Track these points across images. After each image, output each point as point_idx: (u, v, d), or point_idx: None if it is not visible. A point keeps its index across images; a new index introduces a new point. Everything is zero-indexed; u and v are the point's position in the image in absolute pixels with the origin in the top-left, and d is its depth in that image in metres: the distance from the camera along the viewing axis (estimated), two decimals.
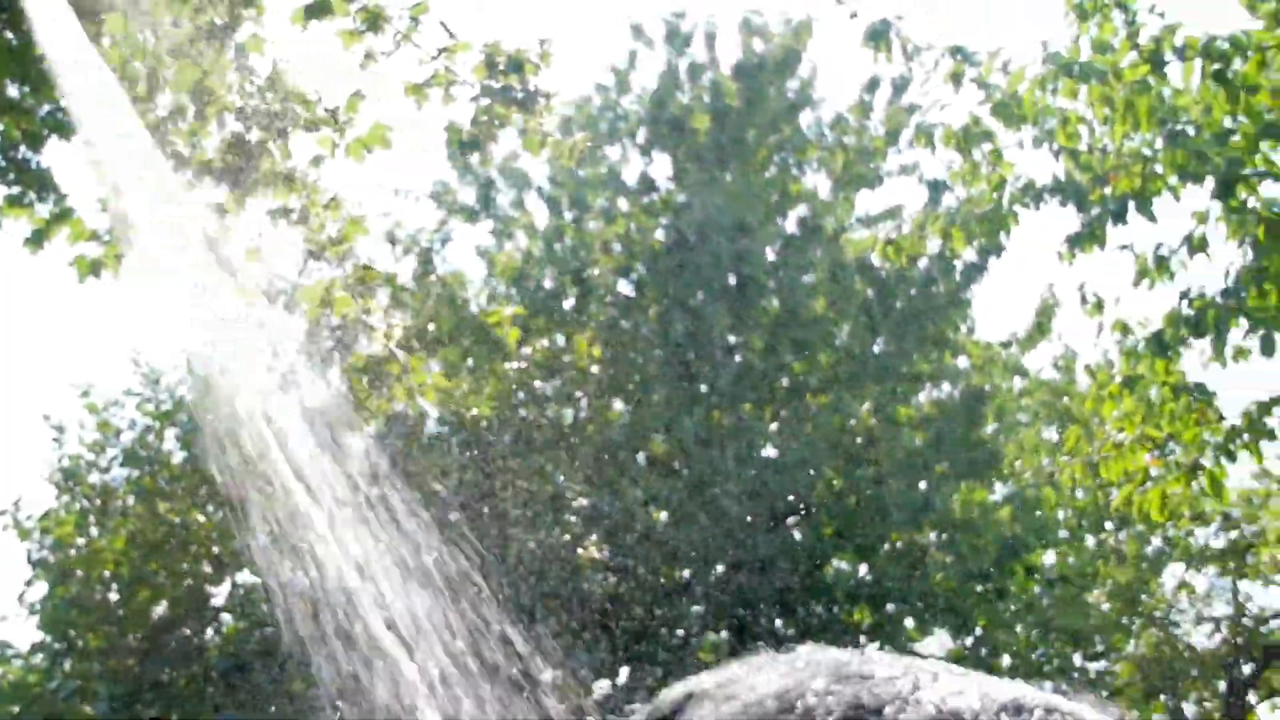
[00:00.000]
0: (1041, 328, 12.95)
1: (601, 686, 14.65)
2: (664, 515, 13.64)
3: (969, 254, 13.06)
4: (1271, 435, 7.60)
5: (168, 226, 4.15)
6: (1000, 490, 15.34)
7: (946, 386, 15.40)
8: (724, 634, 14.71)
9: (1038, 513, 14.20)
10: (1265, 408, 7.54)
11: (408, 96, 4.44)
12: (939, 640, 14.47)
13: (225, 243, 5.32)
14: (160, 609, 12.00)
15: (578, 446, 12.36)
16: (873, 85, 14.45)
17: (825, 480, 14.28)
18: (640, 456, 13.82)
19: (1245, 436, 7.54)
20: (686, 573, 14.26)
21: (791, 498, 14.20)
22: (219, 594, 12.48)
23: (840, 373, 14.69)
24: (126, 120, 4.11)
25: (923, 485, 14.40)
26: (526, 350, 12.25)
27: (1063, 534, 15.74)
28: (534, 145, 4.48)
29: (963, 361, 15.44)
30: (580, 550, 11.46)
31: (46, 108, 6.68)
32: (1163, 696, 16.25)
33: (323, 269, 5.39)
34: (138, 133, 4.19)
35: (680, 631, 14.32)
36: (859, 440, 14.48)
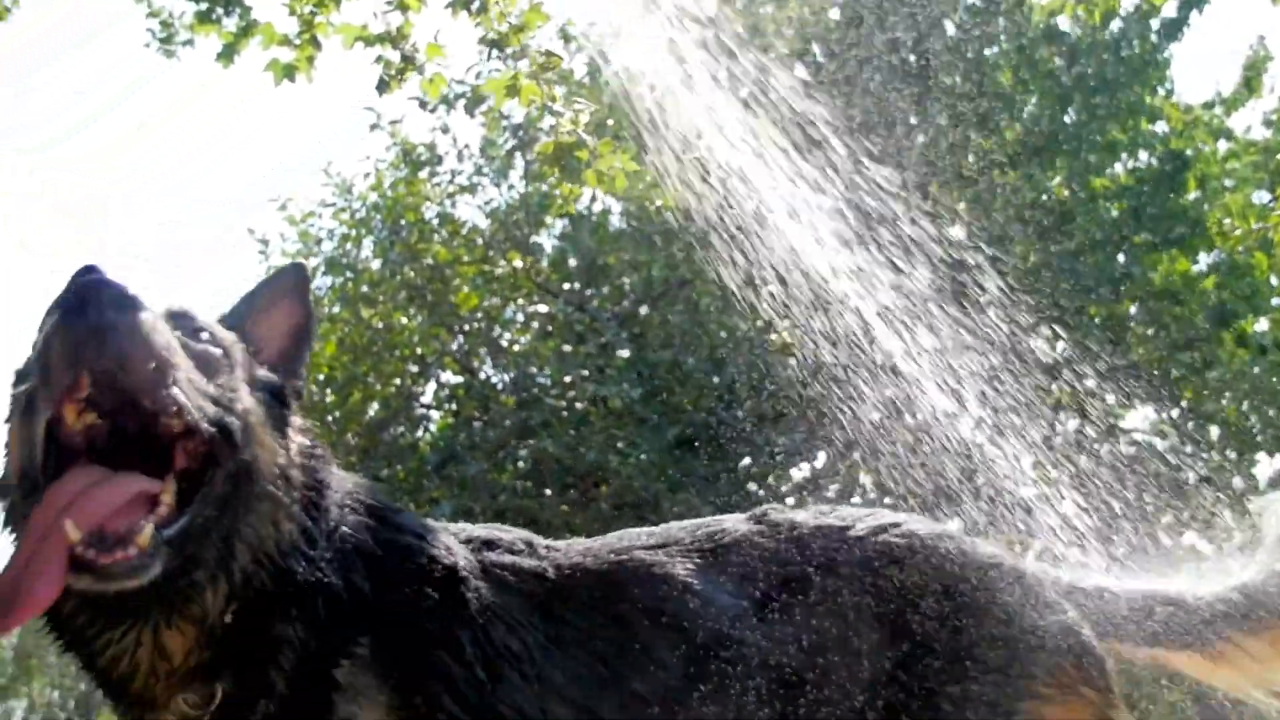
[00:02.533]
0: (1250, 84, 12.17)
1: (800, 470, 14.90)
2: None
3: (1167, 9, 12.29)
4: None
5: None
6: (1205, 258, 14.73)
7: (1144, 154, 14.75)
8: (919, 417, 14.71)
9: (1247, 279, 13.62)
10: None
11: None
12: (1143, 414, 14.18)
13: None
14: (373, 409, 12.61)
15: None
16: None
17: (1019, 257, 13.94)
18: None
19: None
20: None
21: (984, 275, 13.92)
22: (426, 393, 13.04)
23: (1030, 146, 14.18)
24: None
25: (1121, 257, 13.95)
26: None
27: (1275, 301, 15.09)
28: None
29: (1161, 127, 14.71)
30: (773, 336, 11.49)
31: None
32: None
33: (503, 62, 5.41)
34: None
35: (876, 416, 14.38)
36: (1052, 215, 14.04)
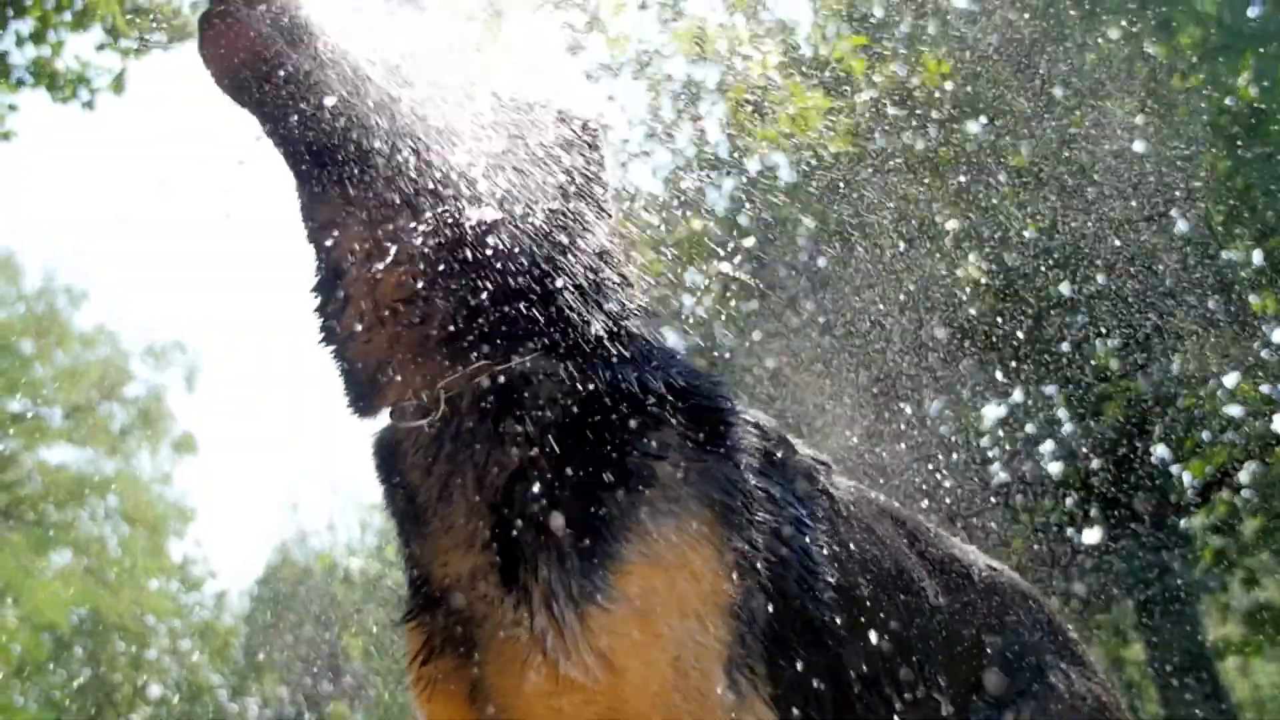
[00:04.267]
0: None
1: (994, 411, 14.61)
2: (1028, 232, 13.22)
3: None
4: None
5: None
6: None
7: None
8: (1111, 341, 14.28)
9: None
10: None
11: None
12: None
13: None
14: None
15: (938, 169, 12.05)
16: None
17: (1207, 164, 13.36)
18: (1002, 174, 13.34)
19: None
20: (1064, 287, 13.84)
21: (1171, 188, 13.40)
22: None
23: (1211, 47, 13.54)
24: None
25: None
26: (876, 80, 11.93)
27: None
28: None
29: None
30: (959, 272, 11.30)
31: None
32: None
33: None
34: None
35: (1065, 345, 14.00)
36: (1242, 116, 13.40)
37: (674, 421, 2.19)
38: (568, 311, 2.21)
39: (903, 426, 11.56)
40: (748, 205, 12.50)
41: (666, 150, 12.90)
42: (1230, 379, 13.68)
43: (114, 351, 31.37)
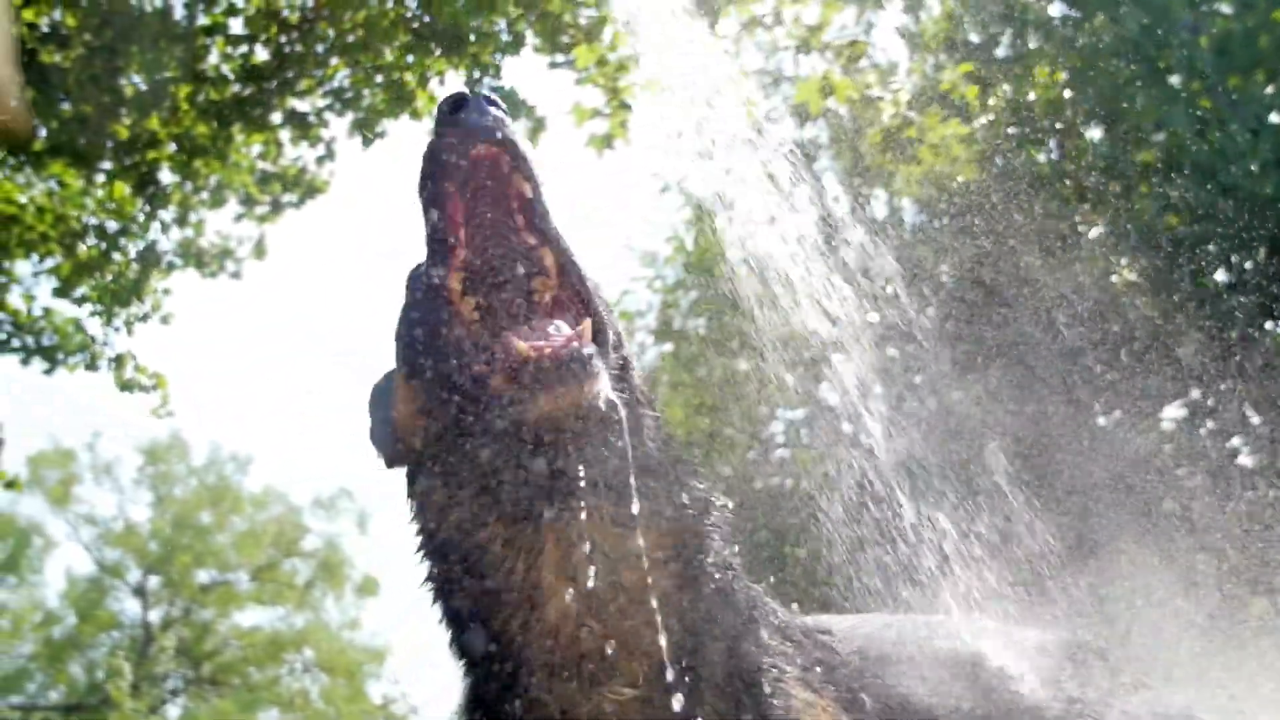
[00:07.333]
0: None
1: (1169, 414, 14.09)
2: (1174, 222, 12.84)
3: None
4: None
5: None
6: None
7: None
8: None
9: None
10: None
11: None
12: None
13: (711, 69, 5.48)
14: (731, 465, 12.77)
15: (1068, 179, 11.82)
16: None
17: None
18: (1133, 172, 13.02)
19: None
20: (1220, 275, 13.39)
21: None
22: (777, 433, 13.10)
23: None
24: None
25: None
26: (990, 103, 11.78)
27: None
28: None
29: None
30: (1114, 277, 11.00)
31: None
32: None
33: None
34: None
35: (1234, 333, 13.50)
36: None
37: None
38: None
39: (1087, 441, 11.22)
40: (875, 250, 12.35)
41: (789, 211, 12.84)
42: None
43: (286, 509, 32.26)
